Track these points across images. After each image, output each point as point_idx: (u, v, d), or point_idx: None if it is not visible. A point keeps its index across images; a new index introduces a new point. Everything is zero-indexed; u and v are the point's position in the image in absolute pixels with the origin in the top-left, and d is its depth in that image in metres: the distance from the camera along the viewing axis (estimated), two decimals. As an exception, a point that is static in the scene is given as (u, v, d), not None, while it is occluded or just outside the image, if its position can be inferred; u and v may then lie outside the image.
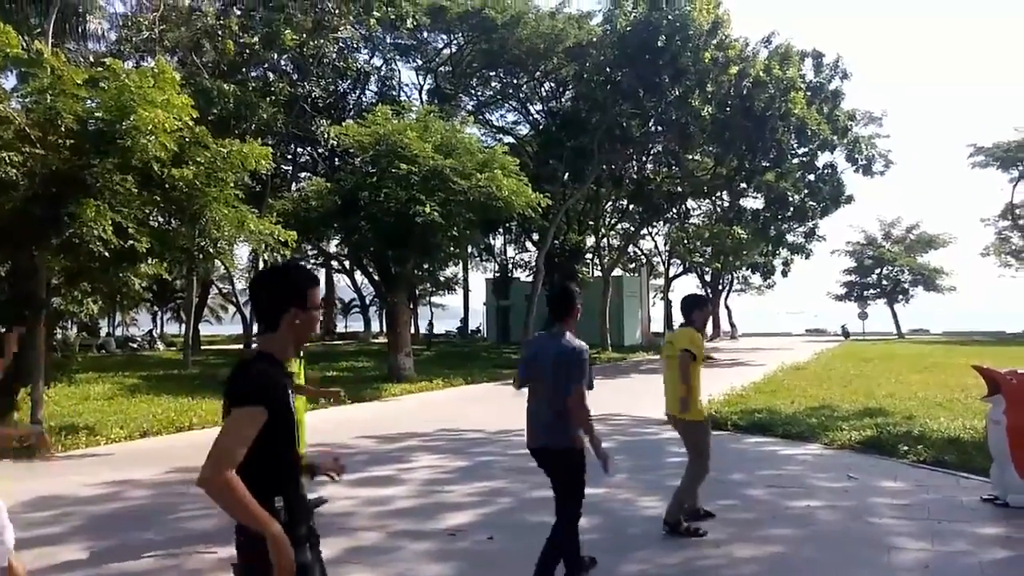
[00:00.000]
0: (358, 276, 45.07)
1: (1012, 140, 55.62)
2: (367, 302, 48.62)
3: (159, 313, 62.13)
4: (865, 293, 62.79)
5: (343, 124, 19.91)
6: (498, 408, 15.36)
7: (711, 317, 56.64)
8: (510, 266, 42.21)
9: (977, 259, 52.42)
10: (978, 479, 7.85)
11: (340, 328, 60.06)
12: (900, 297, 62.48)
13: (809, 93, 28.81)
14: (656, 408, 14.20)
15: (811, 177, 31.92)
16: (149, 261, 11.63)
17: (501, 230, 37.89)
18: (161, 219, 12.18)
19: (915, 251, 60.85)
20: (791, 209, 32.34)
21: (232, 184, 11.89)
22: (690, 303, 6.46)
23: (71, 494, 7.49)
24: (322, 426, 13.17)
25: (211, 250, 11.48)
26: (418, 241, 18.63)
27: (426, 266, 24.42)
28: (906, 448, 9.31)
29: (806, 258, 36.54)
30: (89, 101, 10.66)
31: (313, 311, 2.65)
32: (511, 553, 5.65)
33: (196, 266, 13.17)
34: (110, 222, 10.01)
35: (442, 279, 45.69)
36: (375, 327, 53.04)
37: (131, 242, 10.45)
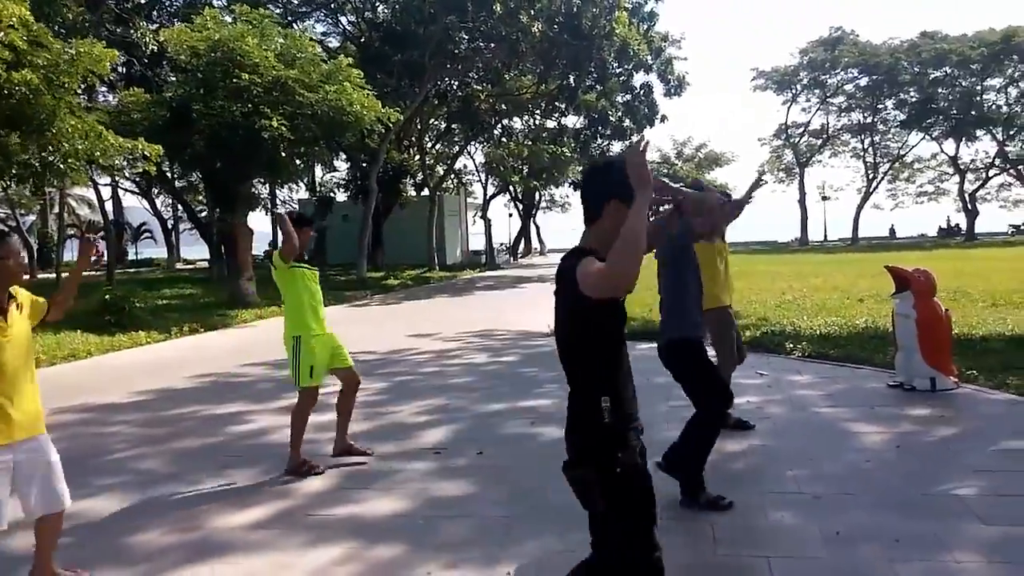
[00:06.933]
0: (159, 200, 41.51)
1: (788, 64, 61.17)
2: (169, 227, 44.95)
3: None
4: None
5: (171, 28, 17.83)
6: (367, 329, 14.95)
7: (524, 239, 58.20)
8: (330, 186, 40.52)
9: (754, 175, 57.10)
10: (867, 368, 8.75)
11: (131, 256, 55.51)
12: (690, 212, 67.48)
13: (628, 12, 29.58)
14: (527, 322, 14.48)
15: (628, 97, 33.07)
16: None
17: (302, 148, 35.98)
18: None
19: (704, 168, 65.62)
20: (610, 128, 33.43)
21: (77, 91, 10.47)
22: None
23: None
24: (192, 355, 12.26)
25: (60, 166, 10.02)
26: (264, 157, 17.34)
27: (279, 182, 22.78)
28: (791, 345, 10.18)
29: (622, 175, 38.17)
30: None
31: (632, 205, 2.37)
32: (513, 466, 5.60)
33: (43, 184, 11.47)
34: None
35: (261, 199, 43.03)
36: (185, 254, 49.51)
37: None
